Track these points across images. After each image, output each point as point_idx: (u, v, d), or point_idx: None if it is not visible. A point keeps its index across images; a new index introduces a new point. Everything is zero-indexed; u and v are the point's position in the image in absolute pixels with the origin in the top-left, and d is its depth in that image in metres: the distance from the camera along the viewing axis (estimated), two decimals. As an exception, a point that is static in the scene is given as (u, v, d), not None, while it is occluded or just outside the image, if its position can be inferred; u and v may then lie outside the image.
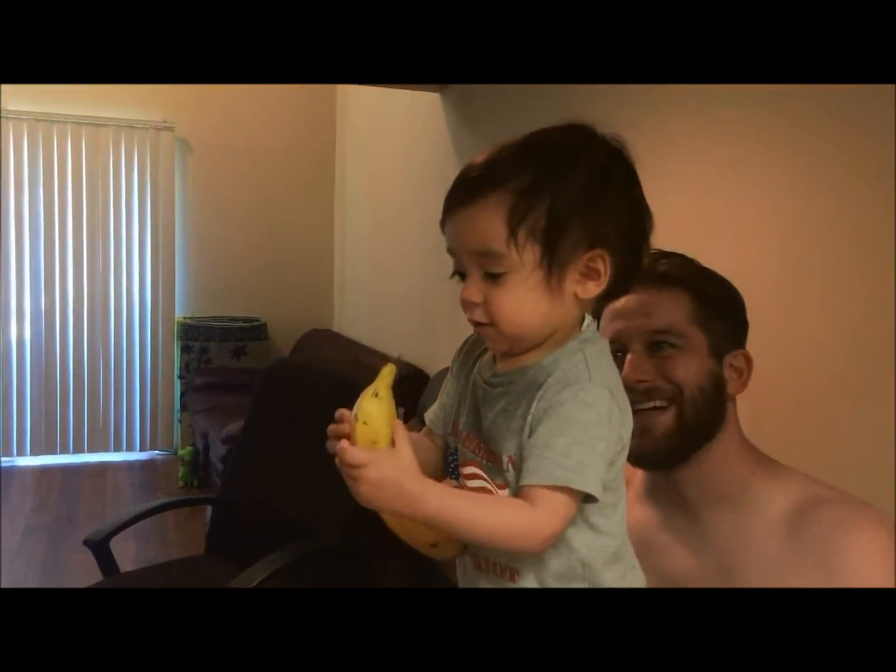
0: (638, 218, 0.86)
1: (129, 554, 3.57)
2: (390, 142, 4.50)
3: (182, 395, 5.15)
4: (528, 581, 0.85)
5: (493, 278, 0.83)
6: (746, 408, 1.16)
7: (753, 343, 1.17)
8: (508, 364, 0.88)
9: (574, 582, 0.84)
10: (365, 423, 0.82)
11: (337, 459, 0.81)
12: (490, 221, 0.81)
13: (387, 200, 4.60)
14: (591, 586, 0.84)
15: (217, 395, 4.69)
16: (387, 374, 0.85)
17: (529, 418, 0.82)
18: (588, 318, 0.89)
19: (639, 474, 1.18)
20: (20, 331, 5.05)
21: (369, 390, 0.84)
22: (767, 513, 1.04)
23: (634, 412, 0.95)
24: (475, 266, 0.85)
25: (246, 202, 5.36)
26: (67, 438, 5.15)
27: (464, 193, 0.84)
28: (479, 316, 0.85)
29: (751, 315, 1.18)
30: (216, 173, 5.31)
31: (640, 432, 1.02)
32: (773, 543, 1.01)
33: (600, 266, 0.84)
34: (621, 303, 1.10)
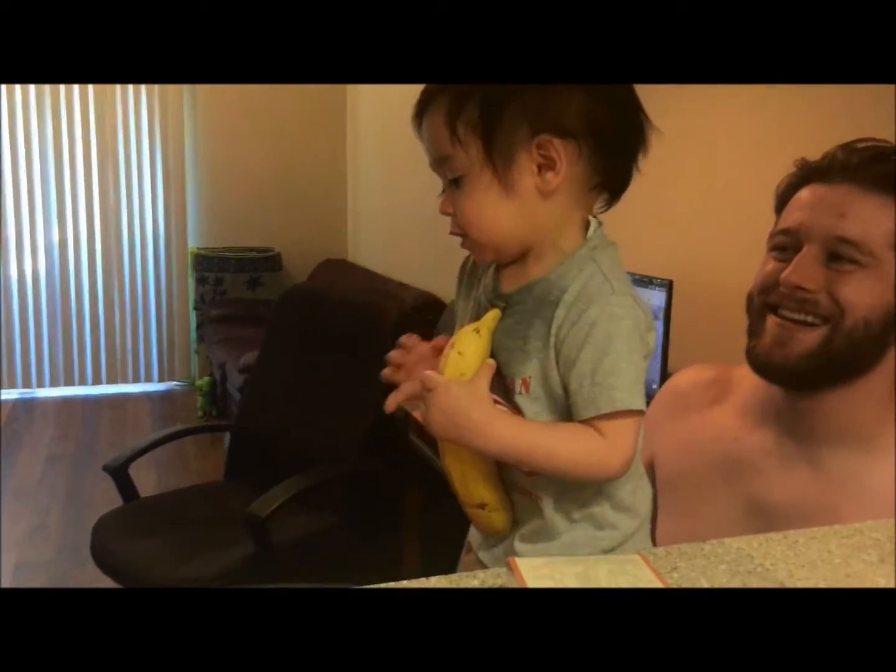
0: (607, 106, 0.80)
1: (150, 482, 3.61)
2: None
3: (198, 326, 5.16)
4: (550, 503, 0.83)
5: (455, 185, 0.82)
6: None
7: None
8: (512, 281, 0.84)
9: (591, 499, 0.83)
10: (460, 353, 0.82)
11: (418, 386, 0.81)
12: (436, 125, 0.81)
13: (399, 127, 4.49)
14: (608, 502, 0.83)
15: (233, 327, 4.68)
16: (491, 318, 0.83)
17: (552, 340, 0.78)
18: (594, 223, 0.84)
19: (748, 385, 1.04)
20: (35, 264, 5.04)
21: (470, 327, 0.83)
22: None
23: (777, 317, 0.90)
24: (442, 176, 0.84)
25: (257, 131, 5.26)
26: (86, 370, 5.19)
27: (418, 105, 0.85)
28: (454, 227, 0.84)
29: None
30: (226, 104, 5.21)
31: (775, 343, 0.94)
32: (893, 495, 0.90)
33: (553, 153, 0.78)
34: (813, 192, 0.94)
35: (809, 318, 0.92)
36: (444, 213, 0.83)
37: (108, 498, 3.32)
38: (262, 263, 5.20)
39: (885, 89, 1.38)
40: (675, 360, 2.03)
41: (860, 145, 0.94)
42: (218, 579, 2.05)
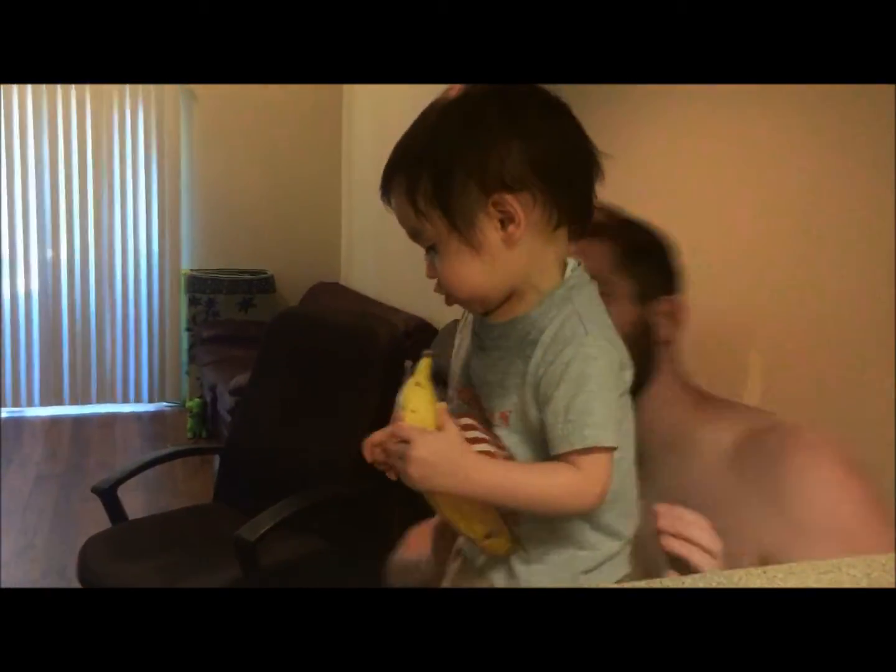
0: (545, 144, 0.82)
1: (138, 504, 3.60)
2: (398, 92, 4.43)
3: (190, 347, 5.16)
4: (531, 523, 0.86)
5: (433, 251, 0.86)
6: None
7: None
8: (498, 316, 0.87)
9: (574, 524, 0.86)
10: (413, 410, 0.84)
11: (381, 448, 0.84)
12: (400, 204, 0.85)
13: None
14: (590, 525, 0.86)
15: (225, 348, 4.69)
16: (424, 365, 0.87)
17: (529, 378, 0.82)
18: (572, 262, 0.87)
19: None
20: (27, 282, 5.04)
21: (410, 381, 0.86)
22: (710, 453, 1.03)
23: None
24: (419, 244, 0.88)
25: (252, 153, 5.30)
26: (76, 389, 5.17)
27: (382, 185, 0.88)
28: (438, 288, 0.88)
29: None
30: (222, 123, 5.25)
31: None
32: (717, 483, 1.00)
33: (508, 208, 0.81)
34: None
35: None
36: (429, 277, 0.88)
37: (96, 518, 3.31)
38: (255, 285, 5.21)
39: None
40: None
41: None
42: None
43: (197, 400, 4.70)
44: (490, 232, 0.82)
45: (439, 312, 3.83)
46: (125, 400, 5.27)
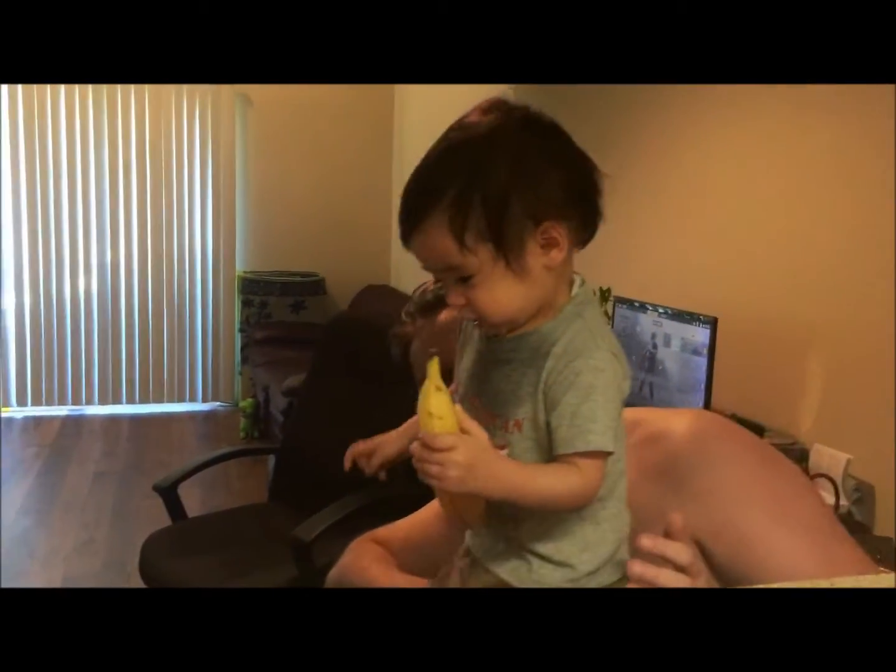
0: (575, 170, 0.86)
1: (194, 501, 3.68)
2: (450, 96, 4.46)
3: (243, 348, 5.26)
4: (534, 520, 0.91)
5: (464, 281, 0.87)
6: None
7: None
8: (511, 329, 0.91)
9: (573, 517, 0.91)
10: (441, 417, 0.86)
11: (418, 454, 0.85)
12: (439, 240, 0.85)
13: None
14: (591, 523, 0.91)
15: (277, 349, 4.77)
16: (436, 366, 0.88)
17: (542, 386, 0.87)
18: (578, 279, 0.91)
19: None
20: (88, 283, 5.19)
21: (429, 386, 0.87)
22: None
23: None
24: (446, 276, 0.89)
25: (305, 158, 5.38)
26: (134, 389, 5.31)
27: (408, 222, 0.89)
28: (468, 314, 0.90)
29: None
30: (276, 129, 5.34)
31: None
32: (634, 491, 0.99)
33: (556, 234, 0.85)
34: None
35: None
36: (455, 305, 0.89)
37: (153, 515, 3.40)
38: (307, 288, 5.29)
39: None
40: (719, 396, 2.05)
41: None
42: (262, 600, 2.09)
43: (250, 400, 4.78)
44: (535, 257, 0.85)
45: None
46: (180, 399, 5.39)
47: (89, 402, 5.26)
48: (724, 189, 2.32)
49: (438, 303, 1.13)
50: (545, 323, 0.89)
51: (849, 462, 1.88)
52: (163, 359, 5.32)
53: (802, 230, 2.00)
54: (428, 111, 4.91)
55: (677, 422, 1.01)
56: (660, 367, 2.24)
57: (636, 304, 2.36)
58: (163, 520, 2.60)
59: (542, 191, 0.84)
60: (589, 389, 0.84)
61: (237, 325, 5.32)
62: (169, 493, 2.45)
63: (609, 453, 0.86)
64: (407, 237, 0.89)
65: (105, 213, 5.12)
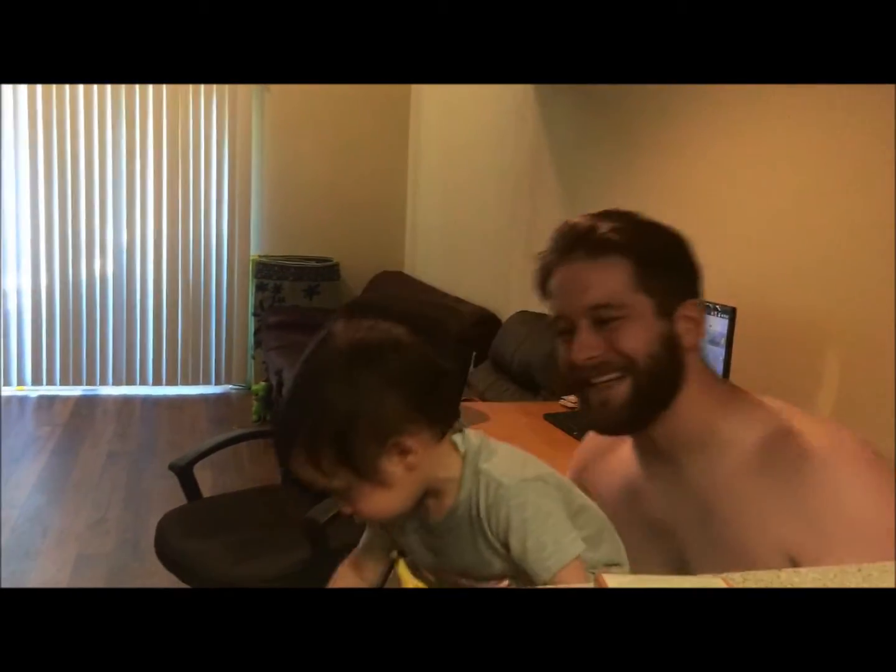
0: (408, 385, 0.93)
1: (206, 482, 3.70)
2: (465, 86, 4.45)
3: (256, 332, 5.27)
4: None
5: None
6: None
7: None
8: (435, 515, 0.99)
9: None
10: None
11: None
12: (305, 471, 0.92)
13: (460, 143, 4.56)
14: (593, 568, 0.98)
15: (290, 333, 4.78)
16: (403, 569, 1.04)
17: (497, 545, 0.95)
18: (459, 437, 0.97)
19: None
20: (104, 265, 5.21)
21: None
22: (737, 451, 1.03)
23: (590, 386, 1.05)
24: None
25: (321, 144, 5.38)
26: (147, 370, 5.34)
27: (283, 461, 0.95)
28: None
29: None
30: (292, 114, 5.34)
31: (599, 405, 1.05)
32: (745, 481, 1.00)
33: (406, 445, 0.92)
34: (557, 279, 1.07)
35: (613, 375, 1.04)
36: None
37: (165, 495, 3.42)
38: (321, 272, 5.29)
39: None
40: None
41: (578, 221, 1.09)
42: (275, 581, 2.11)
43: (263, 384, 4.80)
44: (393, 467, 0.92)
45: (504, 304, 3.84)
46: (194, 382, 5.42)
47: (103, 382, 5.30)
48: (745, 181, 2.31)
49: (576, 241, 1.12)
50: (457, 495, 0.96)
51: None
52: (177, 341, 5.35)
53: (823, 222, 1.99)
54: (444, 99, 4.90)
55: (819, 434, 1.01)
56: (676, 358, 2.23)
57: (653, 294, 2.35)
58: (174, 500, 2.62)
59: (380, 415, 0.90)
60: (523, 525, 0.92)
61: (251, 309, 5.34)
62: (185, 473, 2.47)
63: (576, 557, 0.93)
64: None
65: (122, 196, 5.14)
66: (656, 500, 1.11)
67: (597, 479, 1.21)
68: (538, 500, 0.94)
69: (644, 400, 1.05)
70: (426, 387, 0.92)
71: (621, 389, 1.04)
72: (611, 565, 1.02)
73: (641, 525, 1.11)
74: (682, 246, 1.09)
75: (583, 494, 1.02)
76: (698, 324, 1.08)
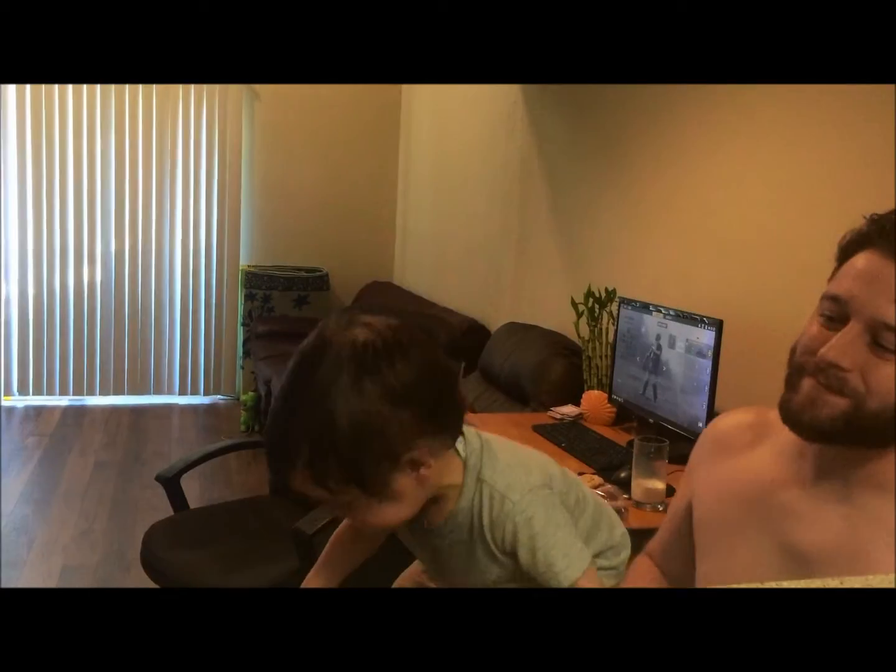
0: (428, 394, 0.90)
1: (193, 493, 3.68)
2: (457, 92, 4.46)
3: (245, 342, 5.26)
4: None
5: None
6: None
7: None
8: (435, 519, 0.97)
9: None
10: None
11: None
12: (309, 489, 0.86)
13: (451, 153, 4.57)
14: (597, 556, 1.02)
15: (279, 343, 4.76)
16: None
17: (498, 554, 0.94)
18: (461, 443, 0.95)
19: (786, 428, 0.99)
20: (92, 273, 5.19)
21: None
22: None
23: (808, 376, 0.90)
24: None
25: (311, 153, 5.38)
26: (135, 380, 5.31)
27: (278, 476, 0.89)
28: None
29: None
30: (283, 122, 5.34)
31: (807, 402, 0.91)
32: None
33: (420, 459, 0.89)
34: (871, 261, 0.88)
35: (839, 398, 0.89)
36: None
37: (153, 505, 3.40)
38: (310, 282, 5.29)
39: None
40: (723, 398, 2.05)
41: None
42: (263, 592, 2.10)
43: (251, 394, 4.79)
44: (404, 480, 0.88)
45: (493, 314, 3.85)
46: (182, 392, 5.39)
47: (90, 392, 5.27)
48: (732, 192, 2.33)
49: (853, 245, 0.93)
50: (459, 501, 0.95)
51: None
52: (164, 351, 5.33)
53: (809, 234, 2.00)
54: (434, 109, 4.91)
55: None
56: (664, 369, 2.24)
57: (641, 305, 2.37)
58: (161, 511, 2.60)
59: (393, 433, 0.84)
60: (531, 540, 0.91)
61: (240, 319, 5.33)
62: (172, 484, 2.46)
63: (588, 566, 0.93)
64: (284, 485, 0.91)
65: (110, 204, 5.12)
66: (806, 523, 0.96)
67: (710, 481, 1.09)
68: (546, 512, 0.92)
69: (856, 429, 0.90)
70: (437, 393, 0.87)
71: (836, 404, 0.89)
72: (606, 550, 1.03)
73: (773, 541, 0.99)
74: None
75: (579, 482, 1.01)
76: None
